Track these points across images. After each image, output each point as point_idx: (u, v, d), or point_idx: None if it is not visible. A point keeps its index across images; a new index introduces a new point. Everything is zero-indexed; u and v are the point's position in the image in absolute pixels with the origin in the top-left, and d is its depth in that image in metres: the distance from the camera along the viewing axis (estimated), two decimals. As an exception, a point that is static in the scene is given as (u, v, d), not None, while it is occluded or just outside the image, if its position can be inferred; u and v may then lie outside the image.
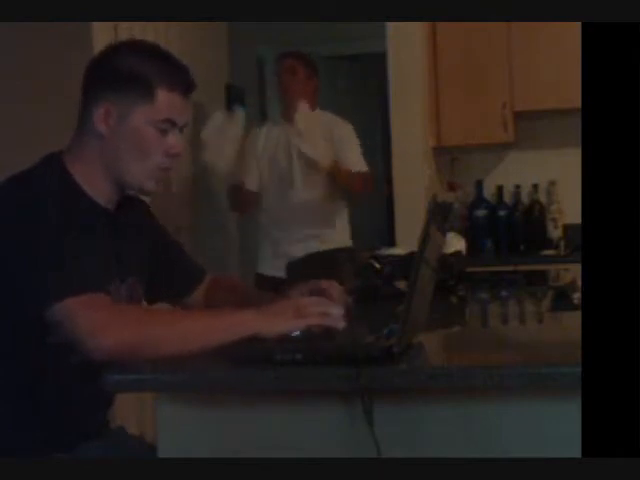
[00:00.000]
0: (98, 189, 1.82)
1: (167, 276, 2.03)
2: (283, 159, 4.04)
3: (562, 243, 4.55)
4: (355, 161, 3.99)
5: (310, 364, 1.46)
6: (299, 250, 3.97)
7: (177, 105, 1.81)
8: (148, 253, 1.98)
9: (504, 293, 2.76)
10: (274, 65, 4.25)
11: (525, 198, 4.69)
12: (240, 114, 3.99)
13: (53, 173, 1.79)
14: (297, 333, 1.64)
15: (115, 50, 1.85)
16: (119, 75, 1.78)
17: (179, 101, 1.82)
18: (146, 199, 2.07)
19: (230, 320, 1.67)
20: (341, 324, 1.67)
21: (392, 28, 4.26)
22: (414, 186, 4.28)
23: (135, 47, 1.90)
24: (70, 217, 1.72)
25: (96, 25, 3.07)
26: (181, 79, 1.82)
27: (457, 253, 2.71)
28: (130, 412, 3.25)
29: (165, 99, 1.79)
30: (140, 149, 1.80)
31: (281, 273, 3.99)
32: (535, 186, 4.66)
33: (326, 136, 3.97)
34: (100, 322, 1.61)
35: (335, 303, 1.78)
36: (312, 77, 4.08)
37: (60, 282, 1.64)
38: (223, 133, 3.92)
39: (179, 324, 1.67)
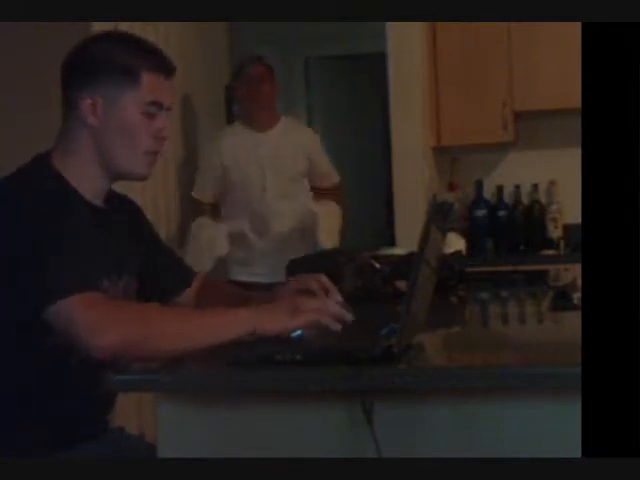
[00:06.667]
0: (87, 184, 1.82)
1: (157, 277, 2.02)
2: (254, 169, 3.95)
3: (562, 243, 4.56)
4: (330, 173, 4.12)
5: (310, 364, 1.46)
6: (275, 255, 3.90)
7: (162, 86, 1.82)
8: (144, 251, 1.98)
9: (504, 293, 2.76)
10: (238, 73, 4.12)
11: (525, 198, 4.69)
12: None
13: (40, 172, 1.79)
14: (298, 333, 1.64)
15: (92, 41, 1.85)
16: (102, 64, 1.79)
17: (164, 83, 1.82)
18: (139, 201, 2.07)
19: (228, 318, 1.67)
20: (337, 325, 1.67)
21: (392, 28, 4.26)
22: (414, 186, 4.28)
23: (112, 36, 1.92)
24: (59, 215, 1.71)
25: (96, 25, 3.07)
26: (162, 61, 1.84)
27: (457, 253, 2.71)
28: (130, 412, 3.25)
29: (150, 81, 1.80)
30: (130, 135, 1.80)
31: (254, 278, 3.90)
32: (535, 186, 4.66)
33: (292, 142, 3.97)
34: (99, 320, 1.59)
35: (331, 299, 1.78)
36: (275, 82, 4.04)
37: (53, 282, 1.62)
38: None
39: (179, 321, 1.66)
